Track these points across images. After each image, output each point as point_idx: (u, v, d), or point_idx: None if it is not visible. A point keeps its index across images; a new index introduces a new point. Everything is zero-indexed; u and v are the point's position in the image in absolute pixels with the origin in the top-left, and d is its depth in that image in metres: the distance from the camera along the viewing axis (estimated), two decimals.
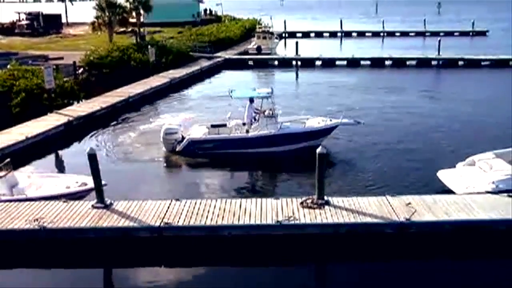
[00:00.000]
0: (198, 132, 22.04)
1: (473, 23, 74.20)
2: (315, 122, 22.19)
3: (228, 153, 21.05)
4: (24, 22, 64.54)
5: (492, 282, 12.84)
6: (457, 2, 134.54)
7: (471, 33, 73.44)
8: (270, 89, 22.33)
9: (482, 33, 73.46)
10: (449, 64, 46.44)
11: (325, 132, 21.82)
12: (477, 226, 14.16)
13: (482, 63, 46.54)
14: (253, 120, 21.75)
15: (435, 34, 68.53)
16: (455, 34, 72.71)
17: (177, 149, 21.36)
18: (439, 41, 48.03)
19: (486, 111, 28.96)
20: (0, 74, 28.97)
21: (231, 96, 22.11)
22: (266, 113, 21.63)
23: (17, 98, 26.88)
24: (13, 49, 47.80)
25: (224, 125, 22.00)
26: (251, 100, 21.87)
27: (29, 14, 65.95)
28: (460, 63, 46.70)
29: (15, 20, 66.65)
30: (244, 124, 21.87)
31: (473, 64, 46.23)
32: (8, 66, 31.49)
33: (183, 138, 21.55)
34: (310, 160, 15.91)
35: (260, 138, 21.27)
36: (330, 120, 22.18)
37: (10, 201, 15.60)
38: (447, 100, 33.02)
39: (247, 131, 21.56)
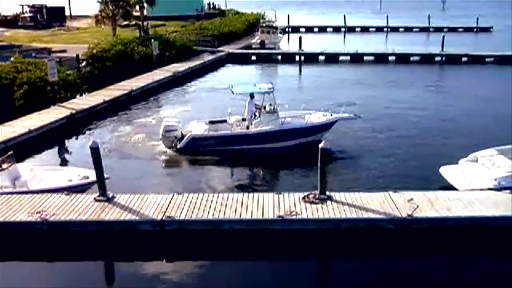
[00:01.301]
0: (198, 128, 21.79)
1: (477, 19, 73.88)
2: (316, 117, 22.11)
3: (229, 149, 20.90)
4: (27, 15, 64.47)
5: (493, 278, 12.81)
6: None
7: (475, 29, 73.16)
8: (271, 84, 22.18)
9: (487, 29, 73.19)
10: (453, 60, 46.31)
11: (325, 127, 21.81)
12: (479, 223, 14.15)
13: (486, 60, 46.39)
14: (253, 116, 21.57)
15: (439, 30, 68.33)
16: (459, 30, 72.44)
17: (178, 147, 21.05)
18: (443, 37, 47.88)
19: (489, 108, 28.87)
20: (3, 67, 28.97)
21: (232, 92, 21.95)
22: (267, 108, 21.47)
23: (20, 90, 26.88)
24: (16, 42, 47.77)
25: (223, 121, 21.82)
26: (252, 95, 21.69)
27: (33, 6, 65.84)
28: (464, 59, 46.54)
29: (18, 13, 66.56)
30: (244, 119, 21.72)
31: (477, 60, 46.09)
32: (11, 59, 31.49)
33: (182, 135, 21.28)
34: (312, 155, 15.89)
35: (262, 134, 21.13)
36: (331, 115, 22.14)
37: (13, 193, 15.65)
38: (450, 97, 32.92)
39: (248, 127, 21.42)
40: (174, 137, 21.17)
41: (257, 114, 21.60)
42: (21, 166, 17.81)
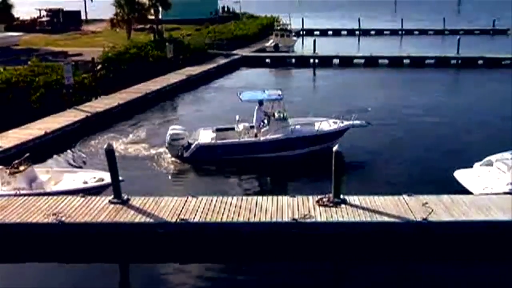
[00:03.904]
0: (205, 136, 21.33)
1: (493, 22, 73.12)
2: (326, 125, 21.60)
3: (237, 158, 20.37)
4: (44, 19, 65.30)
5: (509, 284, 12.69)
6: (477, 0, 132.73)
7: (491, 32, 72.37)
8: (280, 91, 21.72)
9: (503, 32, 72.29)
10: (469, 63, 45.79)
11: (336, 134, 21.13)
12: (495, 227, 13.99)
13: (503, 62, 45.79)
14: (262, 124, 21.09)
15: (454, 32, 67.68)
16: (475, 32, 71.65)
17: (184, 155, 20.56)
18: (459, 39, 47.45)
19: (505, 111, 28.47)
20: (21, 70, 29.34)
21: (240, 99, 21.52)
22: (276, 116, 20.97)
23: (36, 93, 27.20)
24: (34, 46, 48.39)
25: (230, 129, 21.49)
26: (261, 102, 21.11)
27: (49, 11, 66.66)
28: (480, 62, 45.99)
29: (36, 17, 67.48)
30: (252, 127, 21.26)
31: (493, 63, 45.52)
32: (29, 62, 31.88)
33: (189, 143, 20.83)
34: (324, 161, 15.78)
35: (271, 142, 20.65)
36: (342, 122, 21.61)
37: (29, 195, 15.84)
38: (465, 100, 32.68)
39: (256, 135, 20.96)
40: (181, 145, 20.70)
41: (265, 121, 21.11)
42: (38, 168, 18.04)
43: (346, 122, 21.65)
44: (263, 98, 21.31)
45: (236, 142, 20.84)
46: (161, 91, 33.88)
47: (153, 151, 21.86)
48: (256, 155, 20.54)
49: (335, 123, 21.72)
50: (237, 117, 21.80)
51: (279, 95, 21.26)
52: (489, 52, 48.22)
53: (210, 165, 20.26)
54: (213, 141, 21.02)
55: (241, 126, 21.40)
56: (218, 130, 21.57)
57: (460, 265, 13.43)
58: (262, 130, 21.01)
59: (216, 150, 20.76)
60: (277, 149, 20.70)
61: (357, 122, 21.67)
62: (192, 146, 20.64)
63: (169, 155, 21.12)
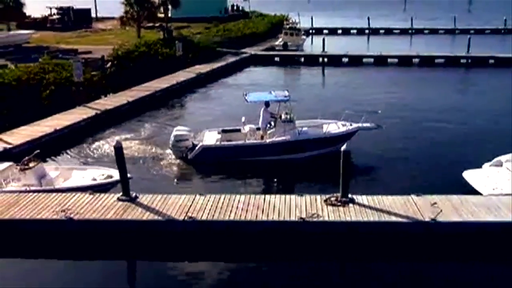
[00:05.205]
0: (210, 138, 21.08)
1: (505, 21, 72.54)
2: (335, 127, 21.17)
3: (242, 160, 20.03)
4: (55, 17, 65.68)
5: None
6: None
7: (502, 31, 71.80)
8: (287, 91, 21.28)
9: None
10: (479, 62, 45.47)
11: (344, 137, 20.48)
12: (504, 228, 13.91)
13: None
14: (268, 125, 20.70)
15: (465, 31, 67.23)
16: (486, 32, 71.16)
17: (188, 157, 20.26)
18: (469, 38, 47.13)
19: None
20: (31, 68, 29.54)
21: (246, 100, 21.10)
22: (283, 117, 20.51)
23: (46, 91, 27.39)
24: (44, 43, 48.65)
25: (236, 131, 21.21)
26: (267, 104, 20.68)
27: (60, 9, 67.04)
28: (491, 61, 45.67)
29: (46, 15, 67.90)
30: (258, 129, 20.91)
31: (504, 63, 45.09)
32: (39, 60, 32.08)
33: (193, 145, 20.51)
34: (331, 165, 15.66)
35: (277, 144, 20.23)
36: (350, 125, 21.17)
37: (39, 191, 15.96)
38: (475, 100, 32.46)
39: (262, 137, 20.61)
40: (185, 147, 20.37)
41: (272, 123, 20.74)
42: (47, 165, 18.19)
43: (355, 125, 21.18)
44: (270, 99, 20.87)
45: (241, 144, 20.46)
46: (170, 89, 33.95)
47: (160, 150, 21.79)
48: (261, 157, 20.13)
49: (344, 125, 21.29)
50: (243, 119, 21.50)
51: (285, 96, 20.81)
52: (500, 52, 47.85)
53: (215, 166, 19.98)
54: (217, 143, 20.63)
55: (246, 128, 21.07)
56: (223, 131, 21.27)
57: (468, 266, 13.34)
58: (268, 132, 20.63)
59: (220, 152, 20.37)
60: (283, 152, 20.30)
61: (367, 124, 21.22)
62: (196, 148, 20.30)
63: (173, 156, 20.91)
